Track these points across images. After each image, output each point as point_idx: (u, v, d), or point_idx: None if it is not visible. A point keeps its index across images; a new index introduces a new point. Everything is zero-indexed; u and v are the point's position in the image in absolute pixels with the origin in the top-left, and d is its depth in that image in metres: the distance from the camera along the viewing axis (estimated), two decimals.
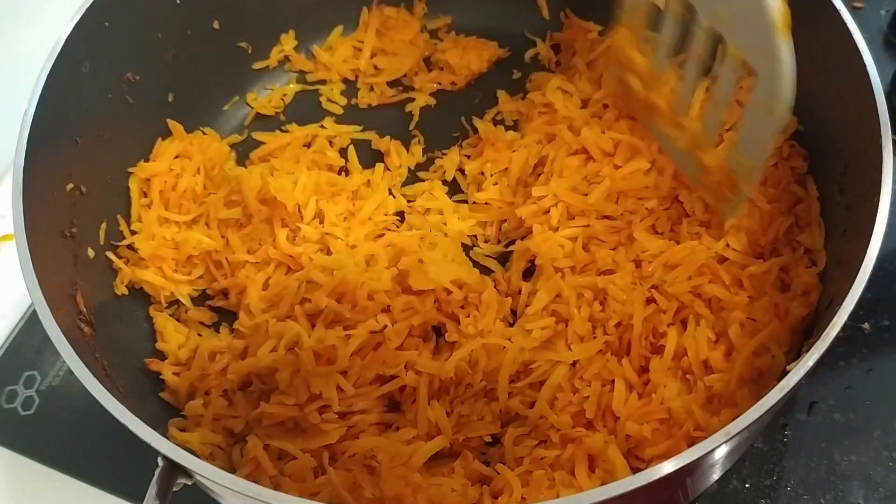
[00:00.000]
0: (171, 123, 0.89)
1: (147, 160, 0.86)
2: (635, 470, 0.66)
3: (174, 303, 0.83)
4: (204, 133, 0.91)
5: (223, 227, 0.84)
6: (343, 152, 0.91)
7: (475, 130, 0.92)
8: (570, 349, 0.72)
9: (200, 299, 0.84)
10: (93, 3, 0.75)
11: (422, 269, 0.75)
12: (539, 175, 0.84)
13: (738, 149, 0.70)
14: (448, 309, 0.76)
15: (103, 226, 0.80)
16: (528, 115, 0.90)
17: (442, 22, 1.00)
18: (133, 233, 0.83)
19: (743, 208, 0.73)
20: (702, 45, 0.71)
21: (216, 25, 0.91)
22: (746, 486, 0.73)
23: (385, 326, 0.73)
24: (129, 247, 0.82)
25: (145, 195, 0.85)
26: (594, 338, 0.73)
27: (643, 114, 0.80)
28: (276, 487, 0.68)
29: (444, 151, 0.91)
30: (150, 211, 0.84)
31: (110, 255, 0.80)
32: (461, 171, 0.89)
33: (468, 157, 0.90)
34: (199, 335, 0.80)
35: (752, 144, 0.69)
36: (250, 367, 0.73)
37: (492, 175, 0.86)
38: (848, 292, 0.57)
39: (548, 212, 0.80)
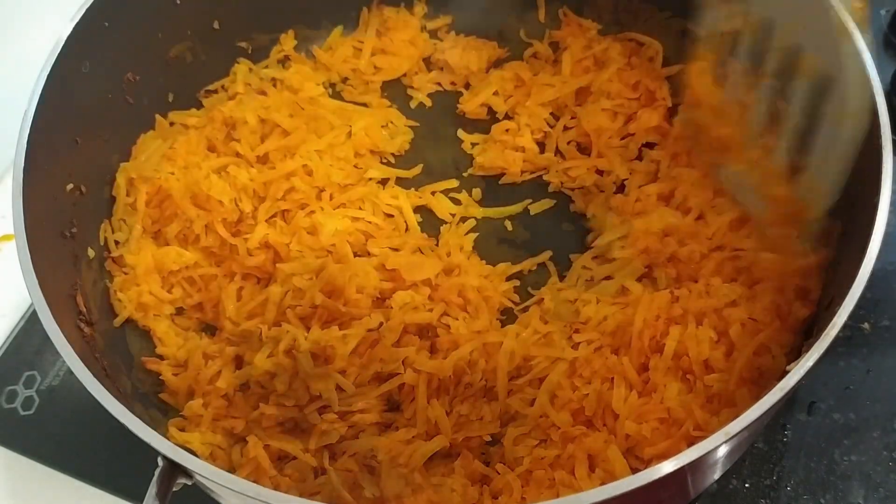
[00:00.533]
0: (158, 119, 0.88)
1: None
2: (635, 470, 0.66)
3: None
4: (187, 127, 0.89)
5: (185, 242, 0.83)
6: None
7: None
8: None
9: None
10: (93, 3, 0.75)
11: (411, 262, 0.75)
12: None
13: (814, 171, 0.67)
14: (443, 301, 0.77)
15: (103, 226, 0.80)
16: None
17: (442, 22, 1.00)
18: (116, 242, 0.81)
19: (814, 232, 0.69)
20: (777, 64, 0.68)
21: (216, 25, 0.91)
22: (746, 486, 0.73)
23: (381, 324, 0.74)
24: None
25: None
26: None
27: (711, 154, 0.78)
28: (276, 487, 0.68)
29: None
30: (135, 216, 0.82)
31: (109, 265, 0.80)
32: None
33: None
34: (197, 335, 0.80)
35: (830, 162, 0.66)
36: (247, 377, 0.73)
37: None
38: (848, 292, 0.57)
39: None
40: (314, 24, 0.98)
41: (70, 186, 0.75)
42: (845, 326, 0.56)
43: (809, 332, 0.69)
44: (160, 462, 0.56)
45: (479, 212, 0.87)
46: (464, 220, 0.86)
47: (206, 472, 0.54)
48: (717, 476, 0.72)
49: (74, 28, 0.74)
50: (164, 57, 0.87)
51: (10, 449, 0.81)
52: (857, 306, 0.57)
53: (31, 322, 0.87)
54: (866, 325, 0.80)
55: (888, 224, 0.60)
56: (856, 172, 0.68)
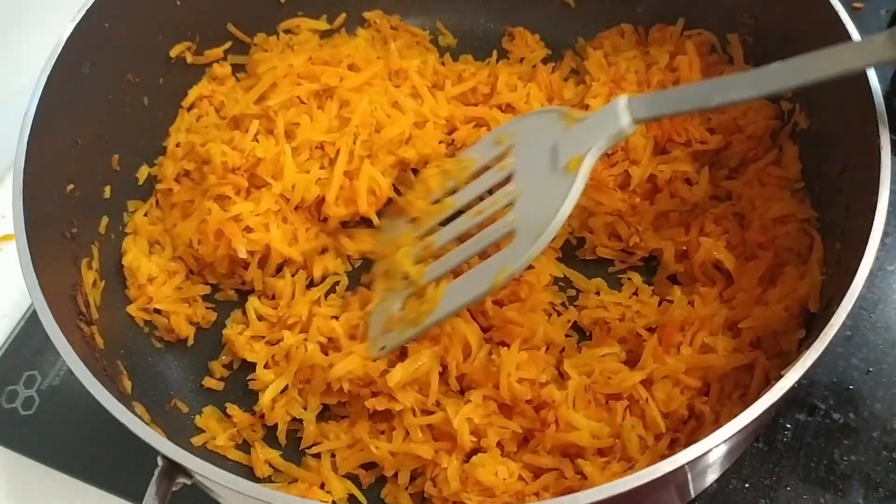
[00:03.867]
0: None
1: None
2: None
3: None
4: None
5: None
6: None
7: None
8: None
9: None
10: (93, 3, 0.75)
11: None
12: None
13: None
14: None
15: (103, 226, 0.81)
16: None
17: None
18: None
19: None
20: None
21: (216, 25, 0.91)
22: (746, 485, 0.73)
23: None
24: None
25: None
26: None
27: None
28: None
29: None
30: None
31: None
32: None
33: None
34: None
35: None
36: None
37: None
38: (847, 292, 0.57)
39: None
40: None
41: (70, 186, 0.75)
42: (845, 326, 0.56)
43: (810, 329, 0.69)
44: (160, 462, 0.56)
45: None
46: None
47: (205, 472, 0.54)
48: (716, 476, 0.72)
49: (75, 28, 0.74)
50: (164, 57, 0.87)
51: (10, 449, 0.81)
52: (856, 306, 0.57)
53: (31, 322, 0.87)
54: (866, 325, 0.80)
55: (886, 224, 0.60)
56: (855, 173, 0.69)
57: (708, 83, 0.68)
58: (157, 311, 0.81)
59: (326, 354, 0.75)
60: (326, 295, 0.82)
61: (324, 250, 0.84)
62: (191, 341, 0.82)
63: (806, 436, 0.75)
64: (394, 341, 0.74)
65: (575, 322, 0.78)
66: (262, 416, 0.75)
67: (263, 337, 0.79)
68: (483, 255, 0.74)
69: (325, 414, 0.76)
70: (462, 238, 0.77)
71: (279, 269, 0.83)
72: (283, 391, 0.76)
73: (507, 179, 0.76)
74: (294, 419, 0.75)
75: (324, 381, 0.74)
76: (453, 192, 0.82)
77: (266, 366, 0.77)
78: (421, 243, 0.79)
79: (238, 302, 0.83)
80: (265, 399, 0.75)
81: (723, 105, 0.69)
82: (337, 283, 0.83)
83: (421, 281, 0.76)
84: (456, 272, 0.75)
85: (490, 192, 0.78)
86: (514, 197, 0.73)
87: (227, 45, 0.92)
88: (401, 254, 0.79)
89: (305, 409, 0.75)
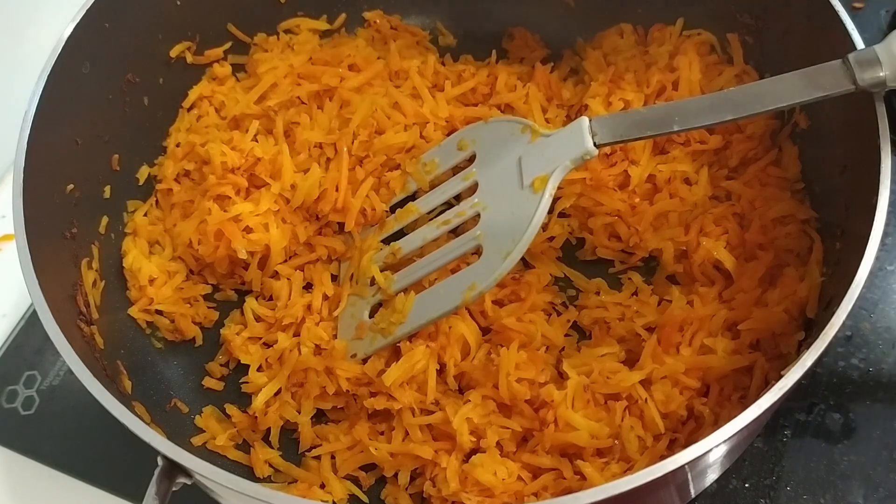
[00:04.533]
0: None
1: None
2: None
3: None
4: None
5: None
6: None
7: None
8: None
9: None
10: (93, 3, 0.75)
11: None
12: None
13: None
14: None
15: (103, 226, 0.81)
16: None
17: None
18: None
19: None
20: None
21: (216, 26, 0.91)
22: (746, 485, 0.73)
23: None
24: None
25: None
26: None
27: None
28: None
29: None
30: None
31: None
32: None
33: None
34: None
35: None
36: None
37: None
38: (847, 292, 0.57)
39: None
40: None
41: (70, 187, 0.75)
42: (845, 326, 0.56)
43: (809, 332, 0.69)
44: (160, 462, 0.56)
45: None
46: None
47: (205, 472, 0.54)
48: (716, 476, 0.72)
49: (75, 28, 0.74)
50: (164, 57, 0.87)
51: (10, 449, 0.81)
52: (856, 306, 0.57)
53: (31, 322, 0.88)
54: (866, 325, 0.80)
55: (887, 224, 0.60)
56: (855, 173, 0.69)
57: (669, 107, 0.68)
58: (159, 312, 0.81)
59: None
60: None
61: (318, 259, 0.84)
62: (199, 341, 0.82)
63: (806, 436, 0.75)
64: (364, 350, 0.75)
65: (575, 322, 0.78)
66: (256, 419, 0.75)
67: (260, 338, 0.79)
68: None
69: (321, 419, 0.76)
70: (427, 246, 0.78)
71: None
72: (276, 394, 0.76)
73: (471, 187, 0.77)
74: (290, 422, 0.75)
75: (318, 384, 0.74)
76: (415, 194, 0.84)
77: (259, 368, 0.77)
78: (387, 249, 0.80)
79: (238, 302, 0.83)
80: (258, 402, 0.75)
81: (682, 131, 0.70)
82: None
83: (389, 290, 0.76)
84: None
85: (457, 198, 0.79)
86: (480, 209, 0.74)
87: (227, 45, 0.92)
88: (367, 259, 0.79)
89: (299, 412, 0.75)
